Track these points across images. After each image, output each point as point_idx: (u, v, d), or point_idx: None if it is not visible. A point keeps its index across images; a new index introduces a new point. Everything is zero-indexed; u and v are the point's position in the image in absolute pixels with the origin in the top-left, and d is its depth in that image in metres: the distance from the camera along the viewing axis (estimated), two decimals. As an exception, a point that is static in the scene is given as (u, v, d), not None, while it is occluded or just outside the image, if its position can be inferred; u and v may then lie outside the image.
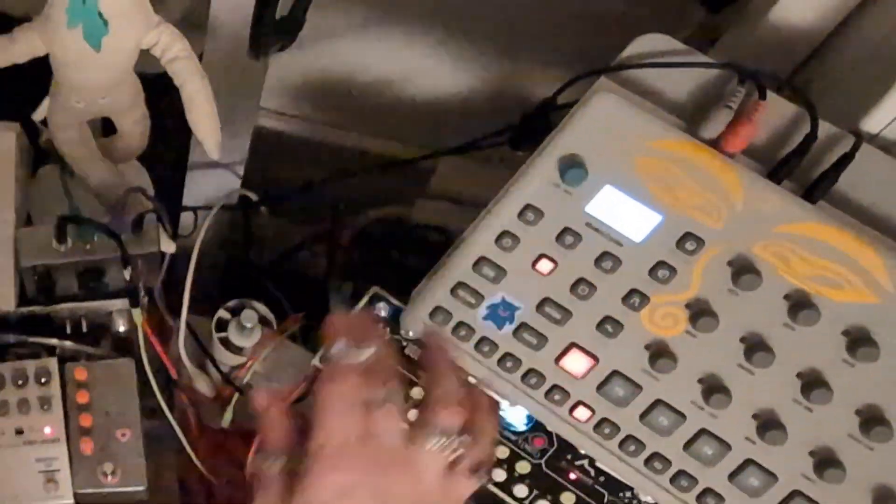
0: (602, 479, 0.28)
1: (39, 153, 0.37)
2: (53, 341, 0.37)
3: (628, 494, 0.28)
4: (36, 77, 0.32)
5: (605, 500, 0.27)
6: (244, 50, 0.28)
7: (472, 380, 0.24)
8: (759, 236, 0.23)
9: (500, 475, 0.28)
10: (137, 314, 0.34)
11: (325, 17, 0.38)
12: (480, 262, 0.26)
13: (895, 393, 0.23)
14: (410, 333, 0.28)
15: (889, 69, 0.26)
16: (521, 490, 0.28)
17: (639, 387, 0.25)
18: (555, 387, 0.26)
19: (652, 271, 0.24)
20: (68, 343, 0.37)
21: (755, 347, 0.24)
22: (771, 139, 0.26)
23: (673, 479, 0.25)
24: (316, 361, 0.29)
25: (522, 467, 0.28)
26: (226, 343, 0.36)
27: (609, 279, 0.25)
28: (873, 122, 0.27)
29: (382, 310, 0.29)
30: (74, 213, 0.35)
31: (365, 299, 0.29)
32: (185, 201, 0.38)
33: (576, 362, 0.26)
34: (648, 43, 0.26)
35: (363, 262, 0.37)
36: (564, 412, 0.26)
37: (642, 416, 0.25)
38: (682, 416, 0.25)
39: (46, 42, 0.30)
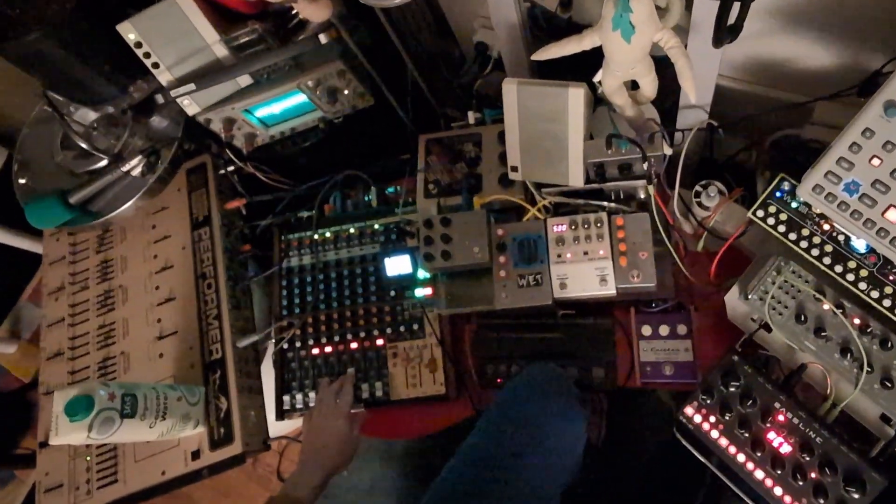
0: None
1: (597, 100, 1.07)
2: (604, 203, 1.12)
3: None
4: (590, 56, 1.00)
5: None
6: (708, 40, 0.86)
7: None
8: None
9: (850, 277, 0.83)
10: (650, 188, 1.02)
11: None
12: (840, 159, 0.81)
13: None
14: (801, 199, 0.86)
15: None
16: (862, 285, 0.83)
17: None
18: (881, 228, 0.78)
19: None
20: (612, 204, 1.12)
21: None
22: None
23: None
24: (750, 214, 0.89)
25: (863, 273, 0.82)
26: (699, 204, 1.00)
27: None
28: None
29: (786, 185, 0.87)
30: (616, 132, 1.04)
31: (776, 181, 0.87)
32: (678, 126, 1.04)
33: (893, 215, 0.78)
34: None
35: (775, 160, 0.94)
36: (886, 242, 0.79)
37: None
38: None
39: (601, 39, 0.97)
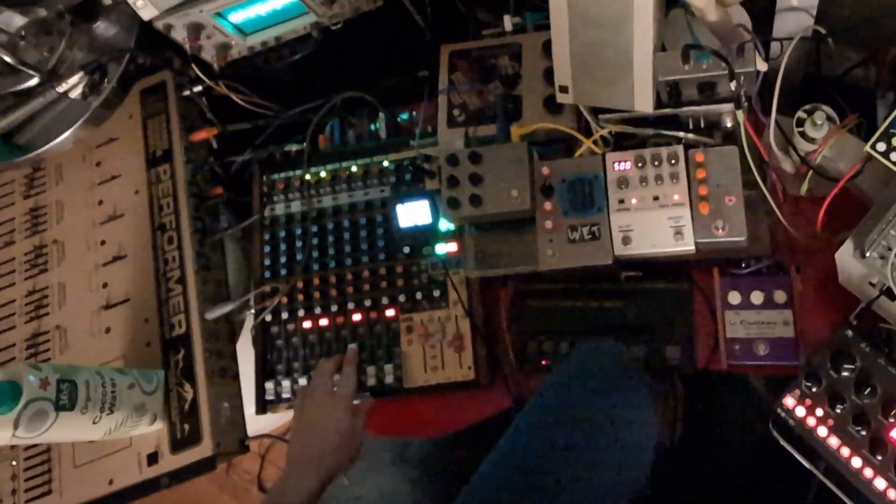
0: None
1: (669, 1, 1.12)
2: (680, 134, 1.18)
3: None
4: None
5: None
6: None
7: None
8: None
9: None
10: (740, 114, 1.09)
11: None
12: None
13: None
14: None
15: None
16: None
17: None
18: None
19: None
20: (690, 135, 1.18)
21: None
22: None
23: None
24: (868, 148, 0.94)
25: None
26: (803, 135, 1.06)
27: None
28: None
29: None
30: (696, 42, 1.09)
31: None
32: (774, 34, 1.09)
33: None
34: None
35: (896, 76, 1.00)
36: None
37: None
38: None
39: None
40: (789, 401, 1.06)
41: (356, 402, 1.33)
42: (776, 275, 1.25)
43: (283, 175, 1.56)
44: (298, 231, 1.52)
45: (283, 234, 1.52)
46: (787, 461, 1.07)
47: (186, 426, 1.32)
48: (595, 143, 1.28)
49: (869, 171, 1.13)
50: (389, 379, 1.39)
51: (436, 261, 1.41)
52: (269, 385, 1.45)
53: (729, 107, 1.17)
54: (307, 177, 1.54)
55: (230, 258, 1.53)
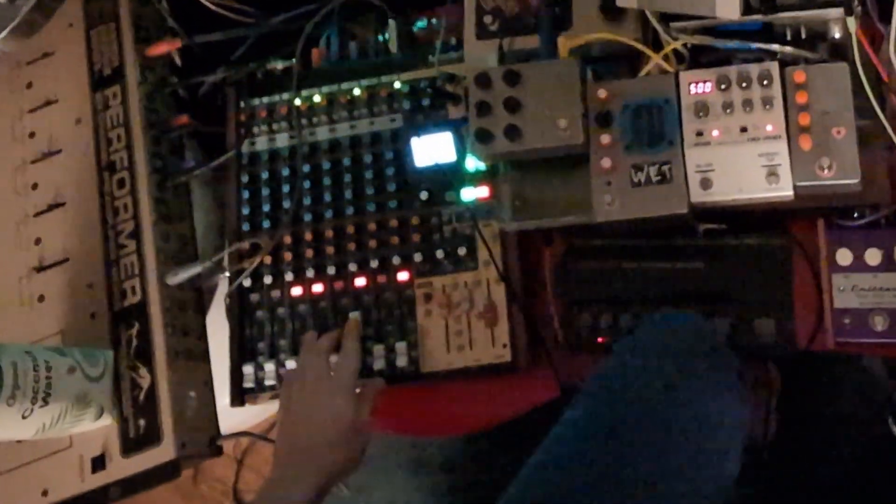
0: None
1: None
2: (775, 47, 1.23)
3: None
4: None
5: None
6: None
7: None
8: None
9: None
10: (852, 22, 1.16)
11: None
12: None
13: None
14: None
15: None
16: None
17: None
18: None
19: None
20: (788, 48, 1.22)
21: None
22: None
23: None
24: None
25: None
26: None
27: None
28: None
29: None
30: None
31: None
32: None
33: None
34: None
35: None
36: None
37: None
38: None
39: None
40: (916, 389, 1.11)
41: (360, 387, 1.35)
42: (898, 228, 1.34)
43: (266, 100, 1.61)
44: (286, 172, 1.57)
45: (265, 175, 1.57)
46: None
47: (142, 422, 1.36)
48: (666, 58, 1.32)
49: None
50: (402, 361, 1.44)
51: (461, 210, 1.46)
52: (249, 369, 1.50)
53: (837, 12, 1.20)
54: (297, 102, 1.58)
55: (198, 207, 1.58)
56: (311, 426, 1.30)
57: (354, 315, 1.48)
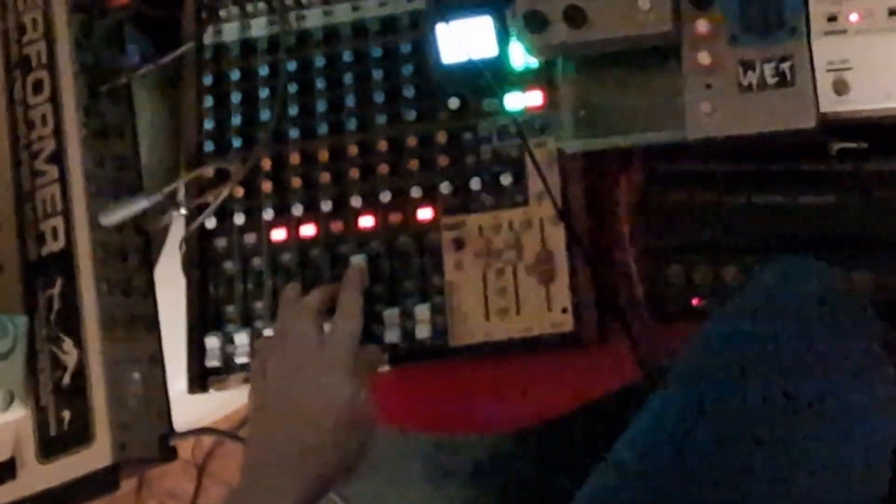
0: None
1: None
2: None
3: None
4: None
5: None
6: None
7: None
8: None
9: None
10: None
11: None
12: None
13: None
14: None
15: None
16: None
17: None
18: None
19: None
20: None
21: None
22: None
23: None
24: None
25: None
26: None
27: None
28: None
29: None
30: None
31: None
32: None
33: None
34: None
35: None
36: None
37: None
38: None
39: None
40: None
41: (362, 357, 1.37)
42: None
43: (236, -28, 1.69)
44: (264, 71, 1.61)
45: (236, 75, 1.62)
46: None
47: (66, 414, 1.40)
48: (788, -87, 1.37)
49: None
50: (424, 332, 1.48)
51: (505, 123, 1.49)
52: (213, 342, 1.54)
53: None
54: (278, -24, 1.66)
55: (143, 118, 1.62)
56: (293, 417, 1.32)
57: (358, 260, 1.50)
